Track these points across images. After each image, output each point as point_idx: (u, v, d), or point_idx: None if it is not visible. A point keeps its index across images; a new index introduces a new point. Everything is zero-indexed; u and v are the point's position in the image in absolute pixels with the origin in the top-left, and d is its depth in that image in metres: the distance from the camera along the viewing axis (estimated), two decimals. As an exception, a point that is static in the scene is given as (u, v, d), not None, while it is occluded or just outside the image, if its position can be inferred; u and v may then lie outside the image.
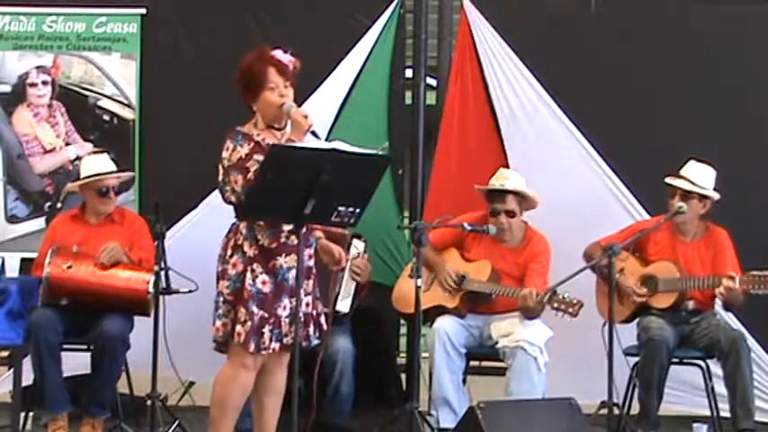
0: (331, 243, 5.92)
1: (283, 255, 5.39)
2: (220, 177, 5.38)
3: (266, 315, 5.33)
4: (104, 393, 6.43)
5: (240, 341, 5.31)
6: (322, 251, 5.85)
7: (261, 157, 5.26)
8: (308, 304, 5.45)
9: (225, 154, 5.36)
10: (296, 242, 5.36)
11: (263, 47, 5.57)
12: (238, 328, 5.32)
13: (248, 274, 5.34)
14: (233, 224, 5.46)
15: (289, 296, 5.39)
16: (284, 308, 5.38)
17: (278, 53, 5.48)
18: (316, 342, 5.50)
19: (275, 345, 5.35)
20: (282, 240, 5.40)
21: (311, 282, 5.51)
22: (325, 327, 5.57)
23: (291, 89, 5.45)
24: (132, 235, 6.68)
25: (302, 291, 5.37)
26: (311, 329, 5.48)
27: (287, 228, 5.39)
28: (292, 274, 5.39)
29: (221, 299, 5.39)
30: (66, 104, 7.64)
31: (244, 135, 5.39)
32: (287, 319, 5.37)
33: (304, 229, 5.33)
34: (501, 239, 6.73)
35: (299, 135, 5.31)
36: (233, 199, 5.35)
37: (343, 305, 6.71)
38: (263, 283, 5.35)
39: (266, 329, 5.33)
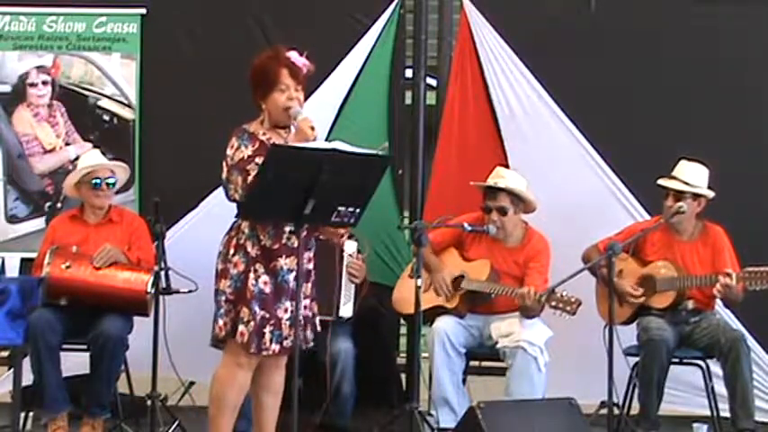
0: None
1: (284, 256, 5.38)
2: (224, 175, 5.36)
3: (267, 315, 5.33)
4: (104, 393, 6.43)
5: (244, 341, 5.30)
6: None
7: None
8: (305, 307, 5.44)
9: (229, 152, 5.34)
10: (297, 244, 5.36)
11: (279, 46, 5.55)
12: (241, 327, 5.31)
13: (251, 275, 5.33)
14: (234, 222, 5.45)
15: (289, 298, 5.38)
16: (285, 310, 5.37)
17: (293, 55, 5.45)
18: (311, 344, 5.50)
19: (275, 346, 5.35)
20: (284, 241, 5.38)
21: (309, 285, 5.50)
22: (319, 329, 5.56)
23: (302, 93, 5.44)
24: (131, 235, 6.69)
25: (302, 293, 5.37)
26: (308, 332, 5.47)
27: (288, 229, 5.39)
28: (293, 275, 5.38)
29: (223, 298, 5.38)
30: (67, 104, 7.64)
31: (250, 134, 5.37)
32: (287, 322, 5.37)
33: (304, 232, 5.32)
34: (500, 239, 6.73)
35: (300, 143, 5.26)
36: (236, 197, 5.33)
37: (346, 310, 6.71)
38: (265, 283, 5.34)
39: (267, 330, 5.32)
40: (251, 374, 5.42)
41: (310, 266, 5.51)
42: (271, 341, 5.33)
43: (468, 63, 7.42)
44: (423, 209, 7.35)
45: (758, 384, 6.90)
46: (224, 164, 5.37)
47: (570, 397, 5.90)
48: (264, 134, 5.39)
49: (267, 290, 5.34)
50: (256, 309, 5.30)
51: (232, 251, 5.39)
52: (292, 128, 5.41)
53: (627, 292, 6.62)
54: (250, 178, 5.22)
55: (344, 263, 6.70)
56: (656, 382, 6.46)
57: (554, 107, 7.27)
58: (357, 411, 6.79)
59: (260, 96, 5.44)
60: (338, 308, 6.66)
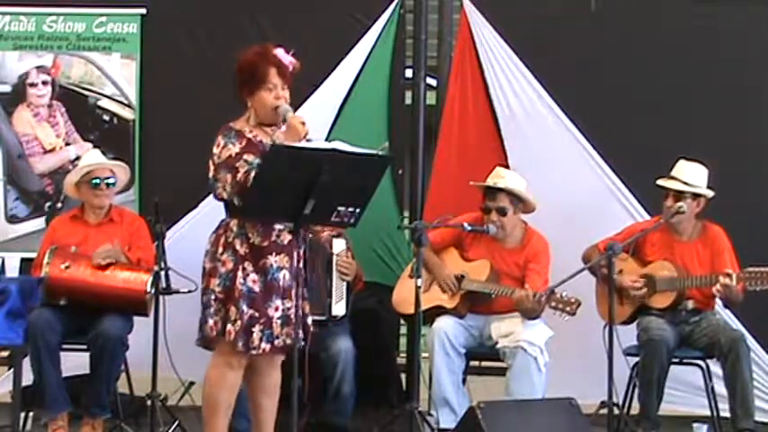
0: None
1: (273, 254, 5.36)
2: (211, 174, 5.35)
3: (256, 314, 5.31)
4: (103, 393, 6.42)
5: (231, 339, 5.29)
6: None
7: (251, 157, 5.25)
8: (296, 306, 5.41)
9: (216, 150, 5.34)
10: (286, 241, 5.35)
11: (266, 44, 5.56)
12: (229, 326, 5.29)
13: (239, 273, 5.31)
14: (222, 221, 5.44)
15: (280, 297, 5.36)
16: (275, 309, 5.35)
17: (280, 52, 5.45)
18: (302, 343, 5.43)
19: (266, 345, 5.33)
20: (273, 239, 5.37)
21: (298, 282, 5.46)
22: (312, 328, 5.52)
23: (288, 91, 5.44)
24: (131, 235, 6.69)
25: (293, 292, 5.35)
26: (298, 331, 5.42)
27: (278, 226, 5.37)
28: (282, 273, 5.36)
29: (213, 297, 5.36)
30: (67, 104, 7.64)
31: (236, 132, 5.37)
32: (278, 321, 5.35)
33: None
34: (500, 239, 6.73)
35: (293, 140, 5.26)
36: (224, 196, 5.33)
37: (339, 308, 6.71)
38: (254, 282, 5.33)
39: (256, 329, 5.30)
40: (241, 374, 5.41)
41: (300, 265, 5.46)
42: (260, 340, 5.31)
43: (468, 63, 7.42)
44: (423, 209, 7.34)
45: (758, 384, 6.89)
46: (210, 163, 5.36)
47: (570, 397, 5.90)
48: (251, 131, 5.39)
49: (256, 288, 5.32)
50: (244, 308, 5.28)
51: (221, 249, 5.37)
52: (282, 127, 5.40)
53: (628, 285, 6.62)
54: (239, 175, 5.22)
55: (333, 261, 6.70)
56: (656, 381, 6.46)
57: (554, 107, 7.27)
58: (357, 411, 6.78)
59: (246, 93, 5.43)
60: (330, 307, 6.66)
